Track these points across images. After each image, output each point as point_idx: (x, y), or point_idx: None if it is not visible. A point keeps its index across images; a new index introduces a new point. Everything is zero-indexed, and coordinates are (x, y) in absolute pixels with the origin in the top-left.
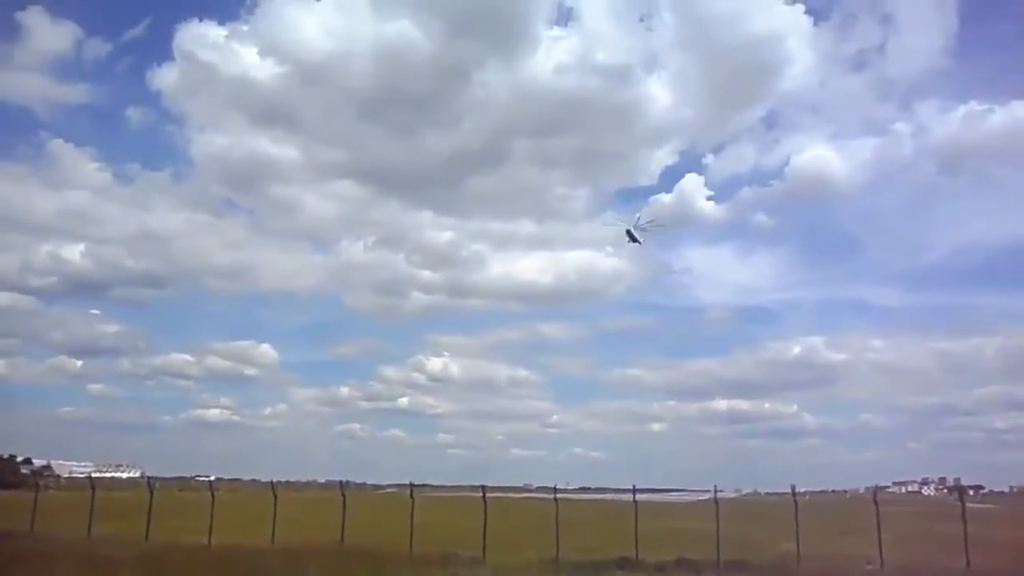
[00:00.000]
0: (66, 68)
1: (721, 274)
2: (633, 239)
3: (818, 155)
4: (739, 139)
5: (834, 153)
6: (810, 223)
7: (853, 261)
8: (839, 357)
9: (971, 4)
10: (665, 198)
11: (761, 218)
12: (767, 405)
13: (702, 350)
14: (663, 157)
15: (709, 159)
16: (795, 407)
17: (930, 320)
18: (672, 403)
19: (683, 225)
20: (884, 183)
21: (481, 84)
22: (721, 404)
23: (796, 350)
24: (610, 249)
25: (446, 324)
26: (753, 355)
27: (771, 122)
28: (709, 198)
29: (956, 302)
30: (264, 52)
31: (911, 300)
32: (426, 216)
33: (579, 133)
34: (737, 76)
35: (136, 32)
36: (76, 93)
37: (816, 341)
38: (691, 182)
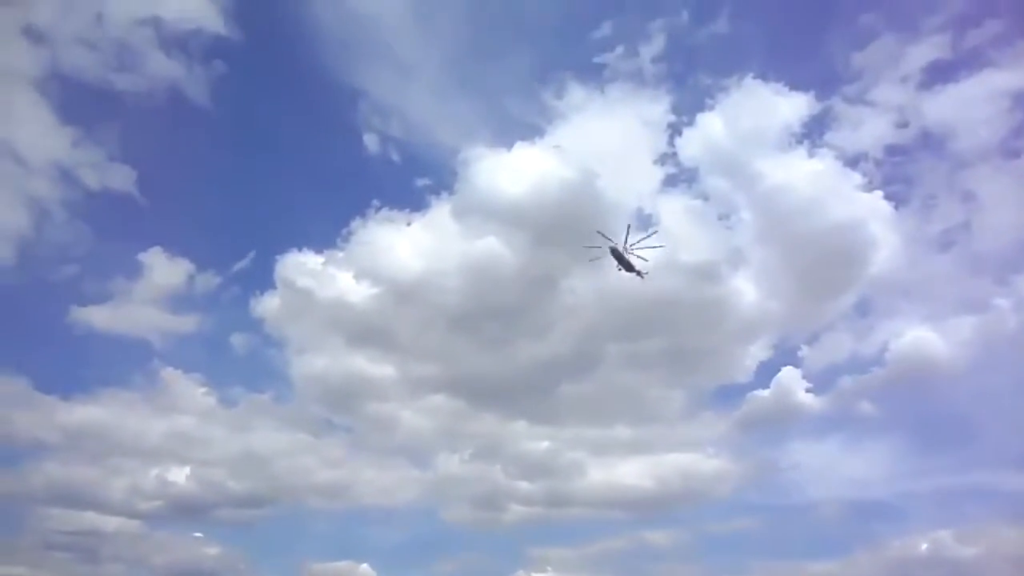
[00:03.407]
0: (179, 301)
1: (830, 468)
2: (628, 267)
3: (917, 337)
4: (833, 328)
5: (934, 334)
6: (918, 408)
7: (970, 445)
8: (971, 552)
9: None
10: (763, 394)
11: (865, 407)
12: None
13: (819, 551)
14: (757, 352)
15: (804, 351)
16: None
17: None
18: None
19: (786, 420)
20: (991, 360)
21: (569, 291)
22: None
23: (923, 546)
24: (711, 450)
25: (547, 535)
26: (876, 553)
27: (864, 308)
28: (808, 390)
29: None
30: (359, 275)
31: None
32: (521, 426)
33: (670, 333)
34: (823, 265)
35: (242, 264)
36: (187, 323)
37: (944, 535)
38: (788, 375)
